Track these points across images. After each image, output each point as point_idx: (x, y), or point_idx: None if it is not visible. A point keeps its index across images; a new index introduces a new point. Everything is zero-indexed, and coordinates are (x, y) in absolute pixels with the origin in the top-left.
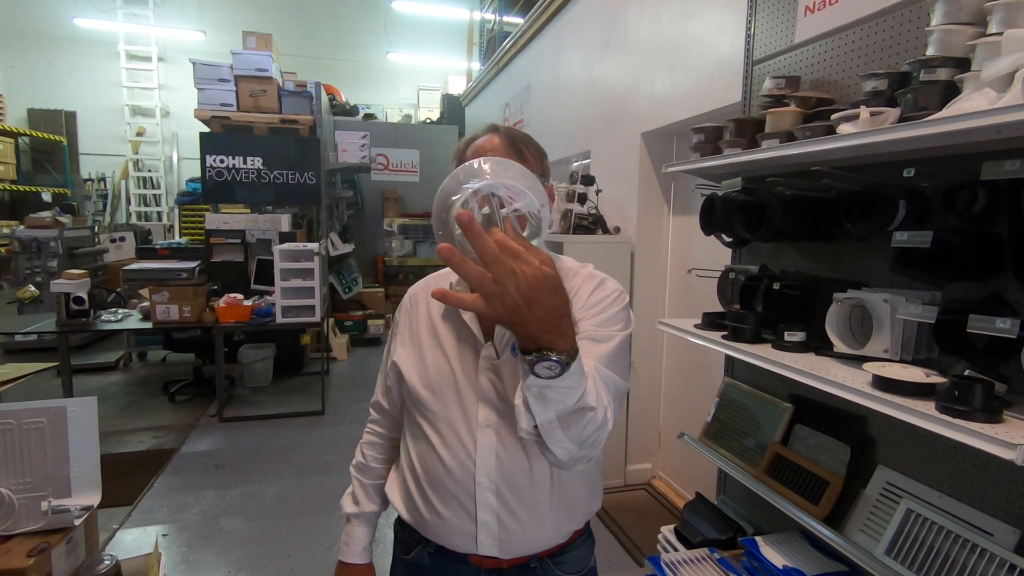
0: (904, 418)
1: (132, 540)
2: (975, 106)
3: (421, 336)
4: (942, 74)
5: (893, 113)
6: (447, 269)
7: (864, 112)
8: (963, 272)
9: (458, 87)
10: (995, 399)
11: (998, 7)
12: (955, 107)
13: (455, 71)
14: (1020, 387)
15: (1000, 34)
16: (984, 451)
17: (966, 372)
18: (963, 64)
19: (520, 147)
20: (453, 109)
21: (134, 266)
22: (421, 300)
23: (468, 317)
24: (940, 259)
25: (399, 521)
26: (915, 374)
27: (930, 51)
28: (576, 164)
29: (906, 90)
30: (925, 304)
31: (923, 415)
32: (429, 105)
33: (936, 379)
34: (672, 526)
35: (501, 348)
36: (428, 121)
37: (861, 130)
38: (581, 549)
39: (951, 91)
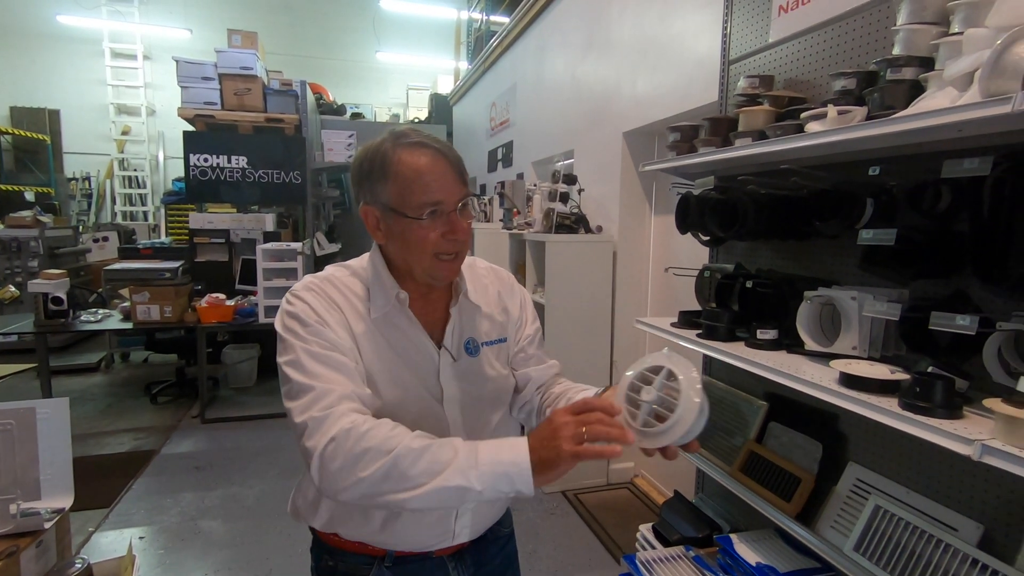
0: (868, 415)
1: (108, 543)
2: (937, 104)
3: (361, 343)
4: (908, 73)
5: (860, 112)
6: (345, 273)
7: (832, 111)
8: (927, 269)
9: (447, 86)
10: (956, 395)
11: (960, 7)
12: (920, 105)
13: (444, 70)
14: (982, 383)
15: (961, 33)
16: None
17: (929, 369)
18: (928, 63)
19: (463, 173)
20: (441, 108)
21: (116, 266)
22: (343, 303)
23: (415, 323)
24: (905, 257)
25: (333, 555)
26: (880, 371)
27: (896, 50)
28: (559, 163)
29: (873, 89)
30: (890, 302)
31: (886, 412)
32: (418, 104)
33: (900, 376)
34: (651, 524)
35: (456, 350)
36: (416, 120)
37: (828, 128)
38: (508, 510)
39: (917, 90)
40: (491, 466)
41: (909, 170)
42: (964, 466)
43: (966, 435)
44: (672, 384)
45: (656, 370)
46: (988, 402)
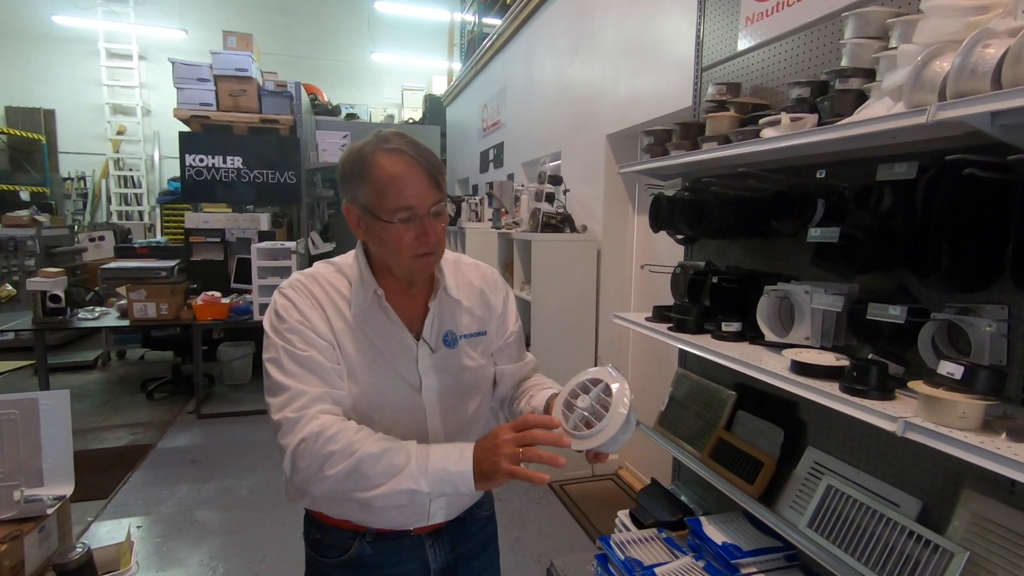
0: (814, 398)
1: (107, 532)
2: (875, 113)
3: (341, 338)
4: (854, 83)
5: (812, 119)
6: (331, 270)
7: (785, 118)
8: (868, 265)
9: (441, 87)
10: (889, 379)
11: (897, 23)
12: (862, 114)
13: (438, 71)
14: (920, 369)
15: (897, 48)
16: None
17: (869, 356)
18: (871, 75)
19: (438, 179)
20: (435, 109)
21: (112, 265)
22: (324, 301)
23: (392, 317)
24: (849, 253)
25: (320, 529)
26: (827, 358)
27: (844, 62)
28: (546, 164)
29: (824, 97)
30: (837, 295)
31: (828, 395)
32: (413, 105)
33: (844, 363)
34: (628, 510)
35: (434, 343)
36: (411, 121)
37: (780, 134)
38: (489, 493)
39: (862, 99)
40: (438, 473)
41: (855, 173)
42: (905, 446)
43: (893, 413)
44: (606, 397)
45: (596, 382)
46: (913, 384)
